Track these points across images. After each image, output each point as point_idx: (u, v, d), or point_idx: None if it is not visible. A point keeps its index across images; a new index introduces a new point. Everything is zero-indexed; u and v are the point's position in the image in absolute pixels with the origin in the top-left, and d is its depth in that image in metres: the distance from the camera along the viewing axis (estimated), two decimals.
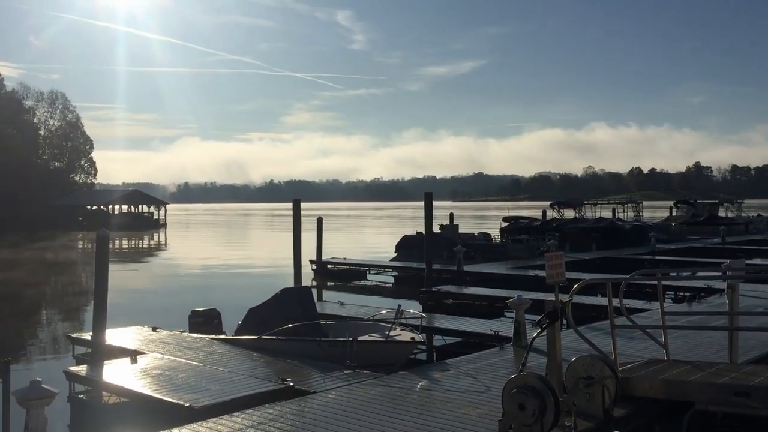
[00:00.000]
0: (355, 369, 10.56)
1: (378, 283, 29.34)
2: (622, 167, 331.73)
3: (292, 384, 9.83)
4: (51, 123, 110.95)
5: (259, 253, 48.61)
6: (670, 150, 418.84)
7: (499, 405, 7.22)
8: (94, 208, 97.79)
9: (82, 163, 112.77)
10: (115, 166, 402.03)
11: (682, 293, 19.88)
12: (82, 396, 11.40)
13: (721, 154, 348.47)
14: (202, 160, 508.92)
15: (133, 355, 12.03)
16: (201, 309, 15.23)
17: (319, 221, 31.12)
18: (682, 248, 34.88)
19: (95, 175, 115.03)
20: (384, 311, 14.69)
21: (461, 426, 7.63)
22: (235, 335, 13.60)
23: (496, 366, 10.52)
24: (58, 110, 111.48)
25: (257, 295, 16.18)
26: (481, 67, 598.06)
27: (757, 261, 28.17)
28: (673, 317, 13.18)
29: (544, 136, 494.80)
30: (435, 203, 23.01)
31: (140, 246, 61.85)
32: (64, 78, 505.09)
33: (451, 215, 43.65)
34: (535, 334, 7.67)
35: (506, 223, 42.00)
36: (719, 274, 13.88)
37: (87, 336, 13.95)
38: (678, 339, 11.51)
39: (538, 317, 7.91)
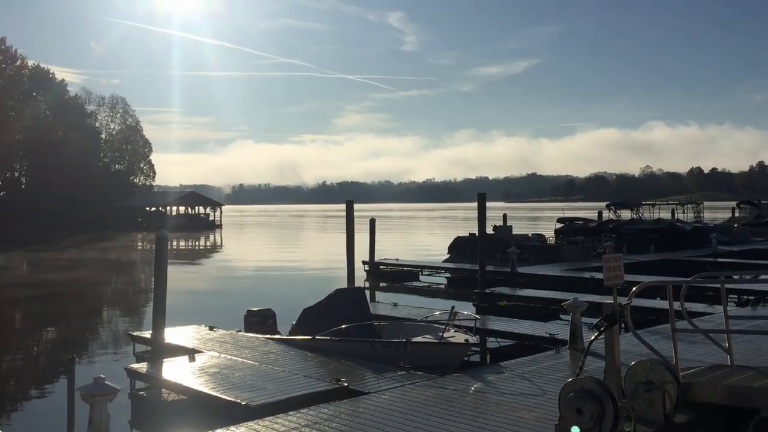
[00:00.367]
0: (409, 370, 10.56)
1: (431, 285, 29.28)
2: (681, 167, 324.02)
3: (346, 384, 9.90)
4: (112, 127, 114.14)
5: (313, 254, 49.05)
6: (732, 149, 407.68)
7: (555, 409, 7.12)
8: (153, 209, 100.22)
9: (142, 165, 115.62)
10: (171, 168, 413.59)
11: (745, 297, 19.30)
12: (142, 393, 11.69)
13: None
14: (255, 162, 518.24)
15: (191, 353, 12.28)
16: (256, 309, 15.44)
17: (372, 222, 31.17)
18: (745, 250, 33.71)
19: (154, 177, 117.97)
20: (437, 312, 14.63)
21: (516, 429, 7.55)
22: (290, 335, 13.77)
23: (551, 369, 10.37)
24: (118, 114, 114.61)
25: (311, 296, 16.36)
26: (533, 67, 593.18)
27: None
28: (737, 321, 12.75)
29: (599, 136, 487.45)
30: (488, 204, 22.78)
31: (197, 246, 63.16)
32: (124, 83, 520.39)
33: (504, 216, 43.18)
34: (593, 337, 7.53)
35: (561, 224, 41.28)
36: None
37: (147, 334, 14.32)
38: (742, 344, 11.13)
39: (593, 320, 7.76)
